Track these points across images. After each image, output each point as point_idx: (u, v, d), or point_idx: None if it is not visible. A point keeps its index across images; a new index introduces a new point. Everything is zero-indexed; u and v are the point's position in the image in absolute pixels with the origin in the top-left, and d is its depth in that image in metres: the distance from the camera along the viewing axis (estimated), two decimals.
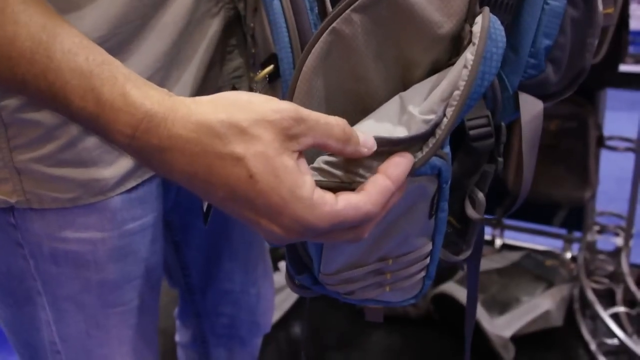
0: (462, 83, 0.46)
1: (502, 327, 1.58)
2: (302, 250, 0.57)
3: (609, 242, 1.89)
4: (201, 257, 0.92)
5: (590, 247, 1.87)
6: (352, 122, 0.50)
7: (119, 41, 0.58)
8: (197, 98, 0.43)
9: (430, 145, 0.47)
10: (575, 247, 1.94)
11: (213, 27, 0.65)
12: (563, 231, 1.97)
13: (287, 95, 0.50)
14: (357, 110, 0.52)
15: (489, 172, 0.62)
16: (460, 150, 0.58)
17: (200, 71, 0.66)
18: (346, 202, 0.43)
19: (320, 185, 0.44)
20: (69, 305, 0.67)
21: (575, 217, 1.89)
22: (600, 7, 0.61)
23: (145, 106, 0.41)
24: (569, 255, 1.95)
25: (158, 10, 0.60)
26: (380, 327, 1.75)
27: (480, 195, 0.62)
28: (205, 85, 0.67)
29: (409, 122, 0.47)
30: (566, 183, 1.78)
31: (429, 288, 1.76)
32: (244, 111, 0.41)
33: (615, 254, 1.85)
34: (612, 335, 1.64)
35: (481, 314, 1.59)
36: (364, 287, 0.57)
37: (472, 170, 0.61)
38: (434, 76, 0.51)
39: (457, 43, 0.51)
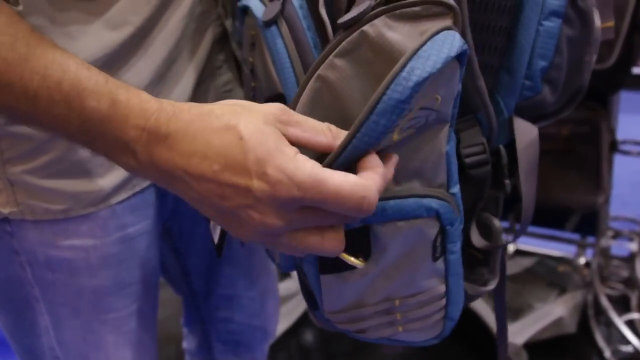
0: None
1: (514, 334, 1.57)
2: (309, 287, 0.57)
3: (623, 247, 1.87)
4: (202, 264, 0.92)
5: (604, 253, 1.85)
6: None
7: (109, 61, 0.59)
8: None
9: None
10: (589, 252, 1.92)
11: (203, 44, 0.67)
12: (576, 236, 1.94)
13: None
14: None
15: (499, 197, 0.60)
16: (460, 179, 0.57)
17: (190, 86, 0.67)
18: (334, 171, 0.43)
19: None
20: (65, 311, 0.68)
21: (588, 222, 1.86)
22: (597, 22, 0.59)
23: (158, 103, 0.46)
24: (582, 260, 1.92)
25: (150, 34, 0.61)
26: None
27: (497, 222, 0.60)
28: (195, 101, 0.68)
29: None
30: (579, 188, 1.76)
31: None
32: (241, 105, 0.46)
33: (630, 259, 1.83)
34: (627, 342, 1.62)
35: (493, 321, 1.58)
36: (374, 326, 0.56)
37: (476, 198, 0.60)
38: None
39: None
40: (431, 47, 0.44)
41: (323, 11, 0.53)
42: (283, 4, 0.55)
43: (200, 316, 1.00)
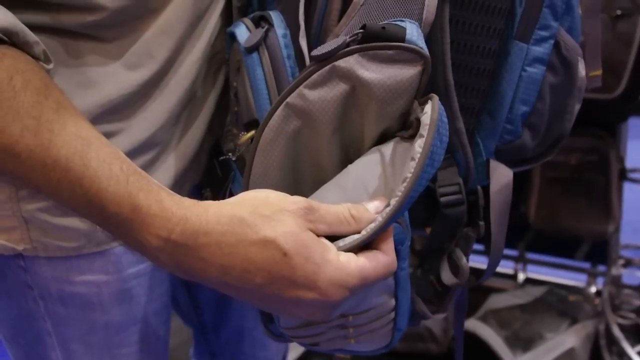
0: (408, 175, 0.46)
1: None
2: None
3: (634, 275, 1.85)
4: (213, 297, 0.92)
5: (616, 281, 1.83)
6: (310, 192, 0.52)
7: (125, 102, 0.60)
8: (221, 200, 0.47)
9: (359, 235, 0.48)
10: (600, 281, 1.91)
11: (216, 85, 0.69)
12: (587, 265, 1.93)
13: (247, 167, 0.52)
14: (315, 179, 0.53)
15: (471, 237, 0.61)
16: (436, 216, 0.58)
17: (203, 126, 0.68)
18: (366, 256, 0.47)
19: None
20: (77, 345, 0.68)
21: (599, 251, 1.86)
22: (582, 72, 0.60)
23: (181, 211, 0.45)
24: (593, 289, 1.91)
25: (166, 75, 0.62)
26: None
27: (464, 262, 0.61)
28: (206, 140, 0.70)
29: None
30: (588, 217, 1.75)
31: (451, 325, 1.73)
32: (265, 205, 0.46)
33: None
34: None
35: (504, 352, 1.57)
36: (327, 340, 0.58)
37: (448, 236, 0.61)
38: (379, 152, 0.52)
39: (406, 116, 0.51)
40: (435, 145, 0.46)
41: (303, 42, 0.54)
42: (266, 32, 0.56)
43: (210, 348, 1.00)
